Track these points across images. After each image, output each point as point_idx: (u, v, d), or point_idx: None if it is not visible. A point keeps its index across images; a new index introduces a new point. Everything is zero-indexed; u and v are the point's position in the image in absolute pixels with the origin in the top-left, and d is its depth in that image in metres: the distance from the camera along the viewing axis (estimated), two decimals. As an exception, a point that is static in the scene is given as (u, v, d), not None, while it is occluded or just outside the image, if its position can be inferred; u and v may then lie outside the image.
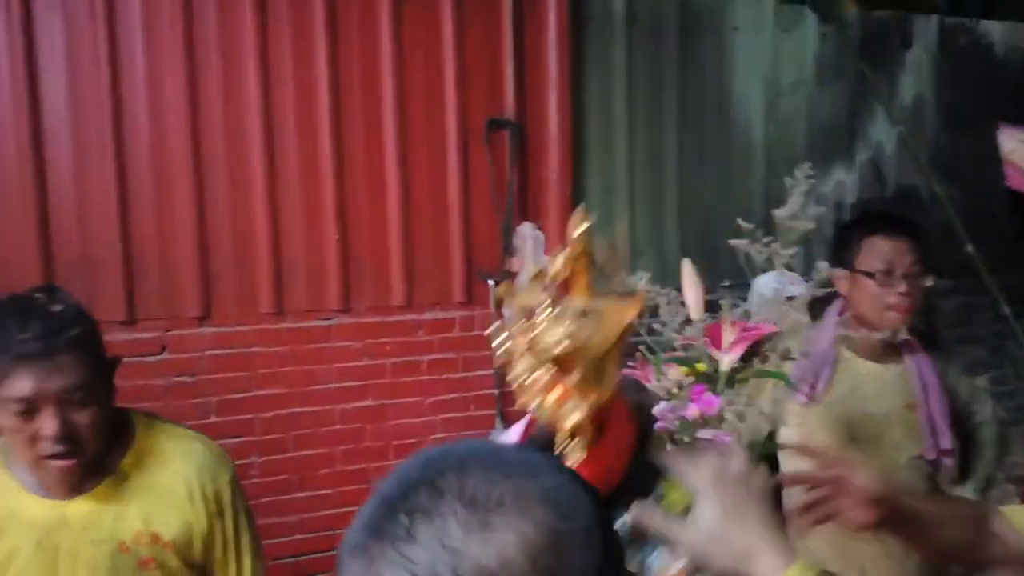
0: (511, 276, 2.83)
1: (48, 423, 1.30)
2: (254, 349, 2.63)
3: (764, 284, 2.56)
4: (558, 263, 0.82)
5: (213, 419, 2.54)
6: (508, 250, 2.89)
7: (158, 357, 2.50)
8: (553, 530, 0.54)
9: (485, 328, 2.86)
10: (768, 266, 2.63)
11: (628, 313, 0.81)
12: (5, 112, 2.37)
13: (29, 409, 1.29)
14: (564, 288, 0.89)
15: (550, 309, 0.80)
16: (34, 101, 2.39)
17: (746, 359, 2.01)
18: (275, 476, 2.65)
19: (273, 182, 2.64)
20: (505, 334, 0.81)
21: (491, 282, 2.89)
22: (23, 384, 1.27)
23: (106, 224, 2.47)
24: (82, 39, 2.42)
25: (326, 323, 2.72)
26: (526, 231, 2.88)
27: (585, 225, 0.84)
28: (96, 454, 1.38)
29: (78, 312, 1.36)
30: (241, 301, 2.62)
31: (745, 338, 2.01)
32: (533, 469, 0.58)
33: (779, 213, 2.45)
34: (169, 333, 2.54)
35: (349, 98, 2.72)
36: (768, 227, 2.73)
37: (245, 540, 1.55)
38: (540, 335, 0.80)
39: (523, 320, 0.80)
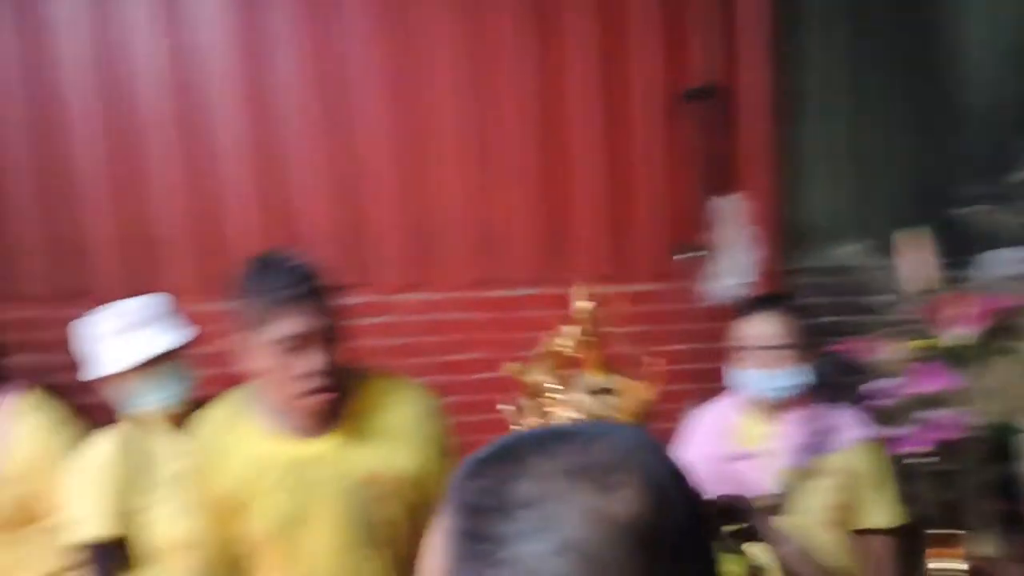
0: (707, 249, 2.79)
1: (316, 358, 1.44)
2: (461, 315, 2.77)
3: (1002, 256, 2.34)
4: (565, 340, 0.78)
5: (426, 379, 2.69)
6: (705, 223, 2.83)
7: (374, 320, 2.68)
8: (660, 476, 0.56)
9: (679, 302, 2.83)
10: (999, 237, 2.41)
11: (647, 391, 0.77)
12: (236, 107, 2.67)
13: (297, 347, 1.43)
14: (575, 365, 0.84)
15: (560, 388, 0.77)
16: (263, 92, 2.67)
17: (985, 336, 1.85)
18: (481, 435, 2.76)
19: (481, 157, 2.76)
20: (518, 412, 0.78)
21: (679, 256, 2.84)
22: (294, 323, 1.42)
23: (332, 199, 2.72)
24: (303, 34, 2.67)
25: (525, 292, 2.79)
26: (721, 204, 2.82)
27: (589, 302, 0.79)
28: (338, 394, 1.50)
29: (314, 265, 1.50)
30: (452, 269, 2.78)
31: (982, 313, 1.85)
32: (606, 430, 0.60)
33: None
34: (388, 298, 2.74)
35: (546, 67, 2.75)
36: (996, 198, 2.50)
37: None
38: (552, 415, 0.76)
39: (535, 400, 0.77)
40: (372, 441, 1.55)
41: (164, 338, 1.90)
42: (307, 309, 1.43)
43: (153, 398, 1.89)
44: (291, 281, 1.43)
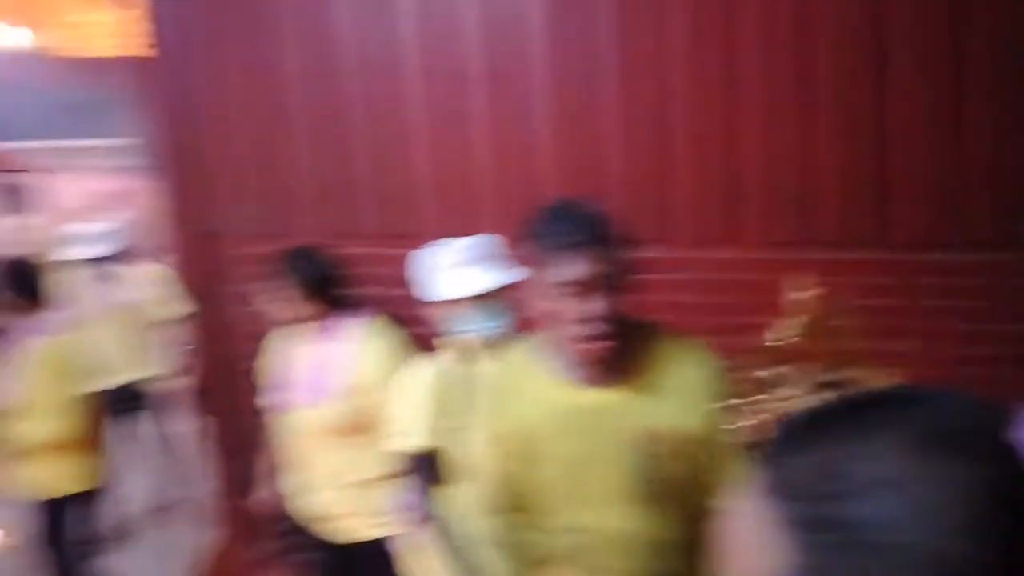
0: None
1: (595, 305, 1.45)
2: (761, 276, 2.59)
3: None
4: (785, 332, 0.65)
5: (719, 340, 2.61)
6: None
7: (670, 276, 2.65)
8: (999, 432, 0.55)
9: (1016, 274, 2.46)
10: None
11: (888, 381, 0.62)
12: (545, 60, 2.76)
13: (578, 292, 1.45)
14: (802, 357, 0.70)
15: (781, 384, 0.65)
16: (570, 45, 2.72)
17: None
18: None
19: (793, 107, 2.59)
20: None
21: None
22: (579, 267, 1.44)
23: (636, 150, 2.73)
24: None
25: (837, 256, 2.55)
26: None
27: (815, 290, 0.65)
28: (620, 344, 1.50)
29: (605, 214, 1.51)
30: (754, 227, 2.67)
31: None
32: (926, 394, 0.56)
33: None
34: (686, 253, 2.69)
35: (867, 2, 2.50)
36: None
37: (734, 445, 1.60)
38: (782, 409, 0.64)
39: (761, 393, 0.66)
40: (656, 398, 1.54)
41: (495, 275, 2.06)
42: (590, 255, 1.43)
43: (477, 328, 2.05)
44: (578, 227, 1.45)
